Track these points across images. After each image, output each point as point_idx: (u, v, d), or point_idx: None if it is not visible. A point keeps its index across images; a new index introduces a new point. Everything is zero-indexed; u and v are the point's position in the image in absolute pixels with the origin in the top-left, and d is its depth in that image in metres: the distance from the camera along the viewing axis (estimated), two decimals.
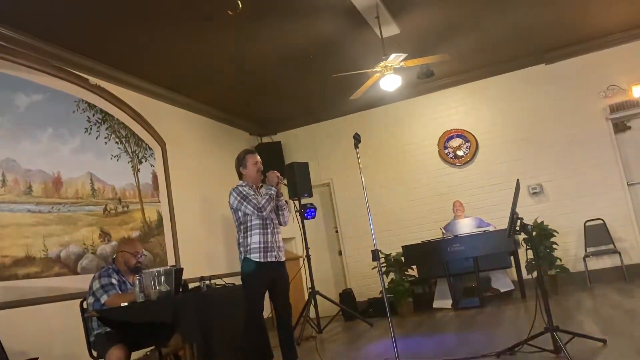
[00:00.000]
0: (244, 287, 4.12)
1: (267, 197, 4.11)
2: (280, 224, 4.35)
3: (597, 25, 7.24)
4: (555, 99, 7.96)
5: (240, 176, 4.33)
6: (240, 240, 4.17)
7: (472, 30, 6.73)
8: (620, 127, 7.80)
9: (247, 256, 4.11)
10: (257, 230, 4.12)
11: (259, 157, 4.36)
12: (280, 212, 4.35)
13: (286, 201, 4.48)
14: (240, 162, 4.32)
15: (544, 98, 8.03)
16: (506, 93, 8.25)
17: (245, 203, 4.09)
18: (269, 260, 4.12)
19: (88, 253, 5.29)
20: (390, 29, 6.13)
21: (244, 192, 4.15)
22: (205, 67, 6.53)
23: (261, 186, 4.31)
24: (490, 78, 8.33)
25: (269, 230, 4.16)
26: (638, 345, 3.51)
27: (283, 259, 4.27)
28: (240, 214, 4.16)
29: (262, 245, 4.10)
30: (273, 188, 4.16)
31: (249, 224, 4.14)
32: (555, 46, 7.78)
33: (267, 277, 4.14)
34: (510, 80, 8.23)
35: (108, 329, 3.78)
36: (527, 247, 6.68)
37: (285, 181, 4.44)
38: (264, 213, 4.08)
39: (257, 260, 4.08)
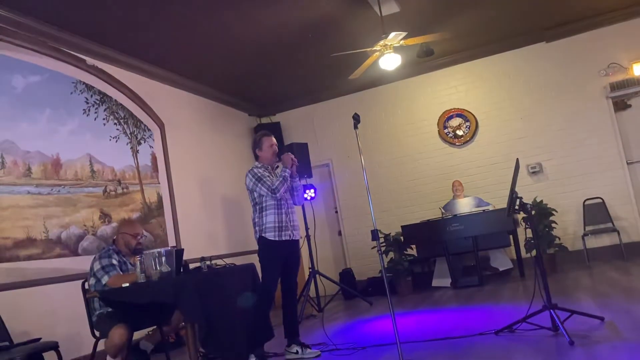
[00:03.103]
0: (260, 265, 4.23)
1: (281, 178, 4.20)
2: (295, 204, 4.45)
3: (598, 2, 7.15)
4: (556, 77, 7.92)
5: (256, 157, 4.43)
6: (256, 220, 4.27)
7: (472, 8, 6.66)
8: (620, 105, 7.77)
9: (263, 235, 4.21)
10: (272, 210, 4.21)
11: (274, 139, 4.45)
12: (295, 193, 4.44)
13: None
14: (256, 144, 4.42)
15: (544, 76, 7.98)
16: (506, 71, 8.20)
17: (260, 184, 4.19)
18: (283, 238, 4.22)
19: (89, 234, 5.31)
20: (390, 7, 6.07)
21: (259, 174, 4.24)
22: (204, 48, 6.48)
23: (277, 167, 4.38)
24: (490, 56, 8.27)
25: (284, 210, 4.25)
26: (635, 322, 3.54)
27: (298, 237, 4.37)
28: (255, 194, 4.26)
29: (276, 225, 4.20)
30: (288, 170, 4.26)
31: (264, 204, 4.23)
32: (555, 24, 7.71)
33: (281, 255, 4.23)
34: (511, 59, 8.18)
35: (110, 309, 3.82)
36: (526, 226, 6.72)
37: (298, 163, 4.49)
38: (278, 194, 4.17)
39: (272, 238, 4.18)
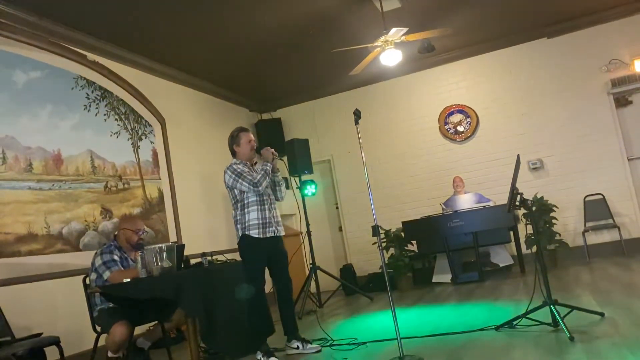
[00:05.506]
0: (244, 264, 4.14)
1: (262, 172, 4.10)
2: (277, 199, 4.36)
3: None
4: (557, 73, 7.91)
5: (234, 154, 4.32)
6: (238, 218, 4.16)
7: (473, 4, 6.64)
8: (621, 101, 7.77)
9: (246, 233, 4.10)
10: (255, 207, 4.11)
11: (252, 135, 4.36)
12: (277, 188, 4.37)
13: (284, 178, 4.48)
14: (234, 139, 4.30)
15: (545, 72, 7.97)
16: (507, 68, 8.19)
17: (240, 180, 4.08)
18: (267, 235, 4.13)
19: (90, 230, 5.32)
20: (391, 3, 6.06)
21: (239, 170, 4.13)
22: (205, 44, 6.47)
23: (255, 163, 4.31)
24: (491, 52, 8.26)
25: (267, 206, 4.17)
26: (635, 318, 3.54)
27: (282, 233, 4.29)
28: (236, 191, 4.15)
29: (260, 221, 4.11)
30: (269, 164, 4.16)
31: (246, 201, 4.13)
32: (556, 20, 7.69)
33: (265, 252, 4.15)
34: (512, 55, 8.16)
35: (111, 305, 3.83)
36: (527, 222, 6.73)
37: (279, 157, 4.41)
38: (260, 189, 4.07)
39: (256, 236, 4.09)
